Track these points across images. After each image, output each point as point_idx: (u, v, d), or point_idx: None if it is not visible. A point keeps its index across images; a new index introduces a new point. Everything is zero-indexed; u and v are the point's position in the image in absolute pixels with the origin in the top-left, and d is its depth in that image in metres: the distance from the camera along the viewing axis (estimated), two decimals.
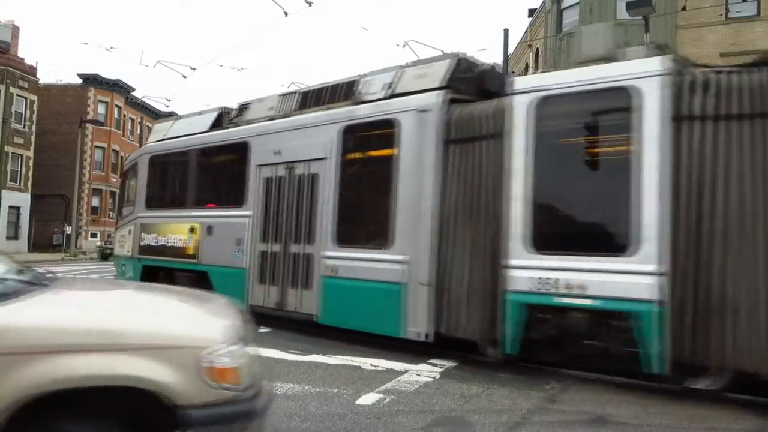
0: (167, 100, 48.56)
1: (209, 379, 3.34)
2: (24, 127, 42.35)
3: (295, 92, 11.03)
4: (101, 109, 49.54)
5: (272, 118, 10.95)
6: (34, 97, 43.28)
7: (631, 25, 24.64)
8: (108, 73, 51.36)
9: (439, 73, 8.60)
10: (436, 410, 6.39)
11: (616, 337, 6.61)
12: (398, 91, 8.95)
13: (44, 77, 46.16)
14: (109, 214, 50.51)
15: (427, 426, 5.93)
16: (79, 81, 49.27)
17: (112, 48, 62.17)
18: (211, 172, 12.61)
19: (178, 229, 12.44)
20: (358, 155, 9.48)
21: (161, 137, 13.79)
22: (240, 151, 11.11)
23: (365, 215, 9.50)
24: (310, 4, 15.90)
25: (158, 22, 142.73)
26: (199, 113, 13.43)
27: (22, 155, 42.30)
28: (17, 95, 41.45)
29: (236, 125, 11.81)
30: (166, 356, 3.32)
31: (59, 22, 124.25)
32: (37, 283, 4.00)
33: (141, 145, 50.63)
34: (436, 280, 8.02)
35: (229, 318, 3.96)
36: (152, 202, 13.52)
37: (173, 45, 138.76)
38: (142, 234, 13.48)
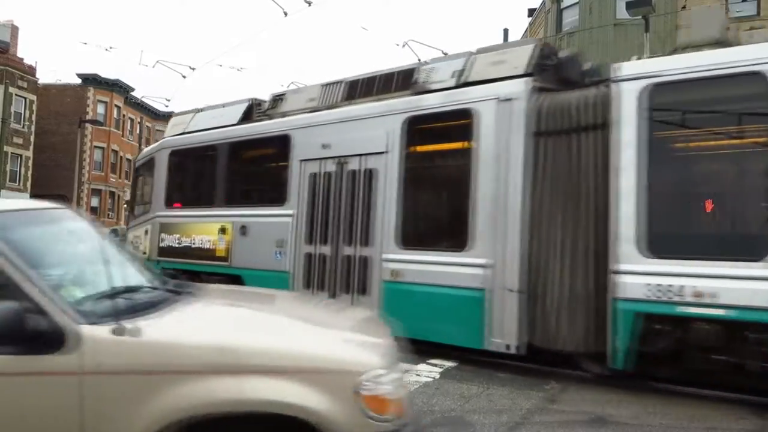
0: (167, 100, 47.70)
1: (369, 409, 2.90)
2: (23, 127, 41.49)
3: (339, 82, 9.91)
4: (100, 109, 48.64)
5: (314, 110, 9.83)
6: (34, 97, 42.37)
7: (630, 25, 23.97)
8: (107, 73, 50.64)
9: (521, 58, 7.55)
10: (436, 410, 6.25)
11: (754, 352, 5.64)
12: (471, 79, 7.89)
13: (43, 77, 45.59)
14: (108, 214, 49.66)
15: (427, 426, 5.80)
16: (79, 81, 48.32)
17: (111, 48, 60.91)
18: (244, 167, 11.43)
19: (205, 229, 11.26)
20: (425, 148, 8.41)
21: (181, 131, 12.59)
22: (279, 144, 10.00)
23: (435, 214, 8.42)
24: (309, 3, 15.36)
25: (158, 22, 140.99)
26: (224, 105, 12.28)
27: (21, 155, 41.39)
28: (16, 95, 40.57)
29: (270, 117, 10.67)
30: (320, 381, 2.90)
31: (58, 23, 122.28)
32: (178, 292, 3.67)
33: (140, 146, 49.79)
34: (527, 287, 6.98)
35: (382, 337, 3.53)
36: (173, 201, 12.37)
37: (173, 45, 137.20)
38: (162, 234, 12.33)
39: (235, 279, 10.44)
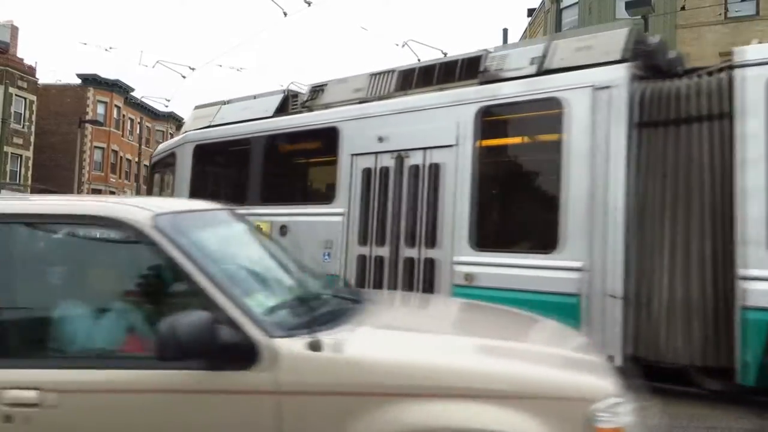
0: (166, 100, 46.66)
1: None
2: (23, 127, 40.89)
3: (391, 71, 9.01)
4: (100, 109, 47.95)
5: (363, 101, 8.93)
6: (33, 97, 41.72)
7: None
8: (107, 73, 49.71)
9: (615, 43, 6.70)
10: None
11: None
12: (554, 66, 7.04)
13: (43, 77, 44.72)
14: None
15: None
16: (78, 81, 47.67)
17: (111, 48, 59.88)
18: (283, 162, 10.49)
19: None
20: (503, 141, 7.55)
21: (206, 124, 11.59)
22: (326, 138, 9.10)
23: (517, 213, 7.55)
24: (309, 3, 14.85)
25: (158, 22, 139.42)
26: (254, 97, 11.37)
27: (21, 155, 40.76)
28: (16, 95, 39.93)
29: (310, 109, 9.79)
30: (545, 409, 2.44)
31: (58, 23, 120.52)
32: (356, 300, 3.36)
33: (140, 146, 48.91)
34: (632, 292, 6.13)
35: (601, 358, 3.05)
36: (200, 198, 11.33)
37: (172, 45, 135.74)
38: None
39: None
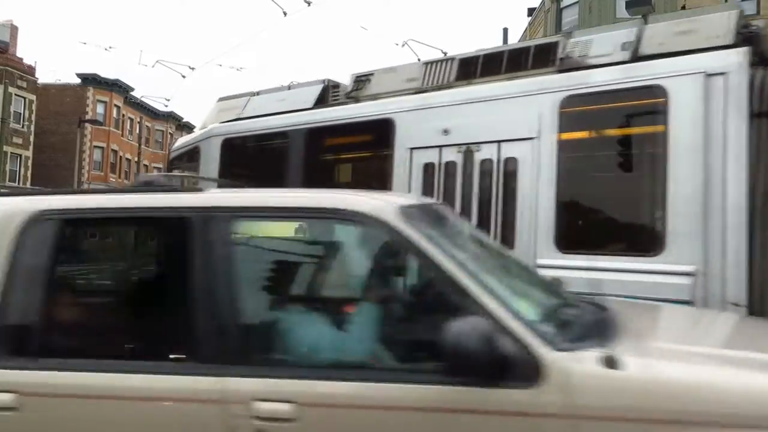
0: (166, 99, 45.64)
1: None
2: (23, 127, 40.43)
3: (449, 59, 8.26)
4: (100, 108, 47.41)
5: (419, 91, 8.16)
6: (33, 97, 41.27)
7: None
8: (107, 73, 48.72)
9: (724, 27, 5.98)
10: None
11: None
12: (649, 51, 6.31)
13: (43, 77, 43.82)
14: None
15: None
16: (78, 81, 46.97)
17: (110, 48, 59.01)
18: (328, 156, 9.66)
19: (279, 231, 9.37)
20: (593, 133, 6.79)
21: (234, 116, 10.59)
22: (378, 130, 8.29)
23: (610, 212, 6.78)
24: (309, 3, 14.56)
25: (158, 22, 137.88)
26: (288, 87, 10.53)
27: (20, 155, 40.28)
28: (16, 95, 39.44)
29: (356, 100, 8.99)
30: None
31: (58, 22, 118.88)
32: (604, 308, 2.89)
33: (140, 145, 48.00)
34: (758, 300, 5.41)
35: None
36: None
37: (172, 45, 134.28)
38: None
39: None
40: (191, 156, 11.08)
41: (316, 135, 9.13)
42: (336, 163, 9.65)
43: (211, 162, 10.27)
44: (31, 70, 41.02)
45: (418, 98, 8.02)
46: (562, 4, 33.47)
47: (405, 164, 7.83)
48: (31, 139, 41.13)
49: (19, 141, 39.75)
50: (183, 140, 12.49)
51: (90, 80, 46.28)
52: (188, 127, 56.91)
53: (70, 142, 42.11)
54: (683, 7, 20.70)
